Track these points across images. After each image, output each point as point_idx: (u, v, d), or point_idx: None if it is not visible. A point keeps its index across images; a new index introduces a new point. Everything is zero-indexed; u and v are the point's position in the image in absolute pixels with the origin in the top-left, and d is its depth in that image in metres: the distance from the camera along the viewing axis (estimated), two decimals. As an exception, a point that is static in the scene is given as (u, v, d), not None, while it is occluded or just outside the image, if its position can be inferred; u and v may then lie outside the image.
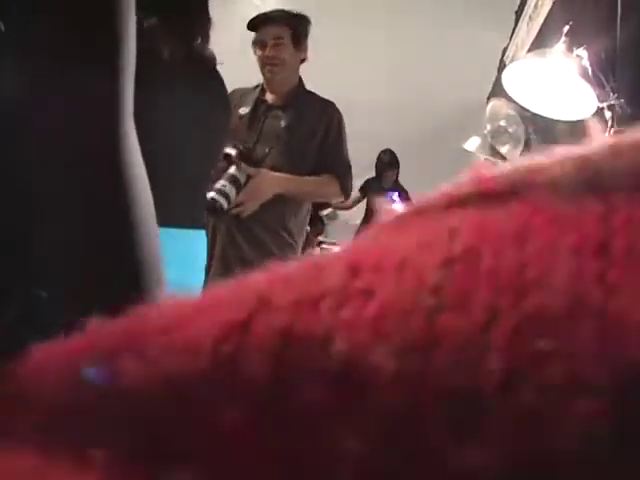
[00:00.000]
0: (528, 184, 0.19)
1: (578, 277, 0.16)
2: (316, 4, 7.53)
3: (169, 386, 0.18)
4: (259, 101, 2.91)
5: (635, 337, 0.15)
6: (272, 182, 2.65)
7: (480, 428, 0.15)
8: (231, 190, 2.49)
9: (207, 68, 2.07)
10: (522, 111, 2.99)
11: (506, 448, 0.14)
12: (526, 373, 0.15)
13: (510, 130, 3.30)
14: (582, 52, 2.15)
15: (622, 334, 0.15)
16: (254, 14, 3.14)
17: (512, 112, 3.18)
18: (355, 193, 6.71)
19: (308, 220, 3.06)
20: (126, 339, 0.20)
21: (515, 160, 0.20)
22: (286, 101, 2.88)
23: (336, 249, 0.21)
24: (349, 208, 6.78)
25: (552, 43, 2.34)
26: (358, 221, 6.54)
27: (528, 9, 4.37)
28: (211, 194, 2.42)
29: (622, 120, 2.06)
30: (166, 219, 0.65)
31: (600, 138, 0.19)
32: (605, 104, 2.10)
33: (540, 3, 3.89)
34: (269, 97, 2.93)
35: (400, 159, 6.61)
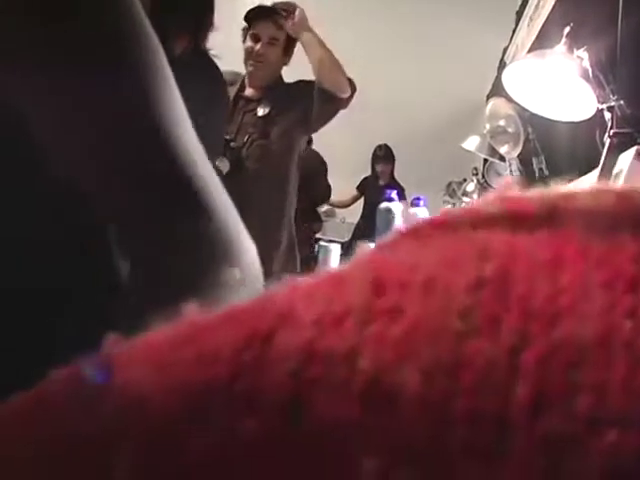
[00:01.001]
0: (561, 212, 0.19)
1: (609, 310, 0.16)
2: (314, 1, 7.52)
3: (186, 395, 0.18)
4: (238, 97, 2.97)
5: None
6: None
7: (504, 451, 0.15)
8: None
9: (209, 63, 2.08)
10: (522, 111, 2.99)
11: (529, 472, 0.14)
12: (554, 400, 0.15)
13: (509, 130, 3.30)
14: (583, 53, 2.15)
15: None
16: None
17: (512, 112, 3.17)
18: (352, 191, 6.71)
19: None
20: (147, 349, 0.20)
21: (549, 186, 0.19)
22: (263, 94, 2.94)
23: (354, 258, 0.21)
24: (347, 206, 6.78)
25: (553, 44, 2.34)
26: (355, 219, 6.54)
27: (529, 9, 4.37)
28: None
29: (622, 122, 2.06)
30: None
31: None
32: (605, 105, 2.10)
33: (541, 4, 3.89)
34: (248, 92, 3.04)
35: (398, 157, 6.61)
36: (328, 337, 0.17)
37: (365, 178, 6.71)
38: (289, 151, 2.91)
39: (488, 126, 3.39)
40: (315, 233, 5.74)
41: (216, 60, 2.18)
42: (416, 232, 0.21)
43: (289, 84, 3.09)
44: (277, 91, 3.00)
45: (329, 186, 6.01)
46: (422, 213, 2.19)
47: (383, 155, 6.59)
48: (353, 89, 3.07)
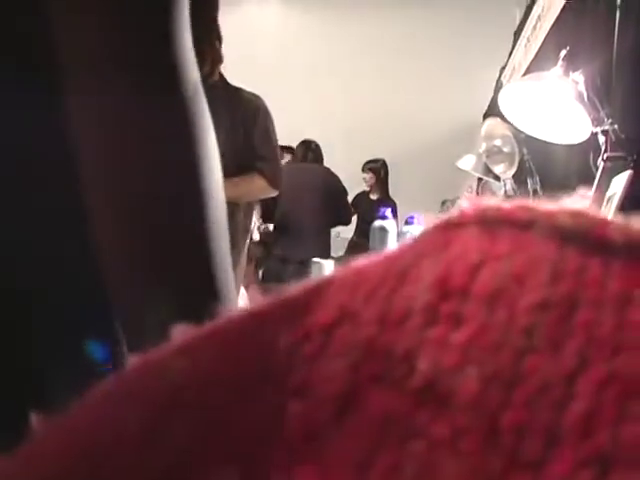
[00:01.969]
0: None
1: None
2: (319, 19, 7.55)
3: (237, 384, 0.18)
4: None
5: None
6: None
7: (552, 463, 0.15)
8: None
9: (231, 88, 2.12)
10: (517, 132, 3.01)
11: None
12: (607, 423, 0.15)
13: (505, 150, 3.32)
14: (578, 76, 2.17)
15: None
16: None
17: (507, 132, 3.19)
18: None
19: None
20: (203, 337, 0.20)
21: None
22: None
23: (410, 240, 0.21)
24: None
25: (549, 65, 2.36)
26: (350, 234, 6.55)
27: (526, 30, 4.40)
28: None
29: (615, 146, 2.08)
30: None
31: None
32: (599, 129, 2.12)
33: (538, 25, 3.92)
34: None
35: (393, 173, 6.63)
36: (389, 335, 0.18)
37: (358, 194, 6.72)
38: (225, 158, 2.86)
39: (484, 146, 3.41)
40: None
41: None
42: (484, 217, 0.20)
43: (236, 89, 3.03)
44: (216, 95, 2.95)
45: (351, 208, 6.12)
46: (416, 231, 2.20)
47: (377, 169, 6.62)
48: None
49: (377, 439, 0.16)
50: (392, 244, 2.16)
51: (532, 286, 0.17)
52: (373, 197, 6.55)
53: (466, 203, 0.21)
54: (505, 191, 3.73)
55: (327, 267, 2.69)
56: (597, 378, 0.16)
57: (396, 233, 2.17)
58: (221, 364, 0.19)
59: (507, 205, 0.20)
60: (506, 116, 2.42)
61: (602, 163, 2.07)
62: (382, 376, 0.17)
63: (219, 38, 1.74)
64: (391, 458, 0.16)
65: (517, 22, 5.03)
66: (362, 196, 6.67)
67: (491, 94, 5.92)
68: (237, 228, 2.82)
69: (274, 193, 2.94)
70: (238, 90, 2.80)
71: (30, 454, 0.20)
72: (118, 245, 0.54)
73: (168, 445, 0.18)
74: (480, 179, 4.42)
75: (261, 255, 5.16)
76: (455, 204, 5.33)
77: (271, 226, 5.54)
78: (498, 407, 0.16)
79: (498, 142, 3.34)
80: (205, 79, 0.58)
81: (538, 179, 3.31)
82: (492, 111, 4.97)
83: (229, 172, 2.74)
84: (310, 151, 5.74)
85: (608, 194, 1.96)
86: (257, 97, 2.90)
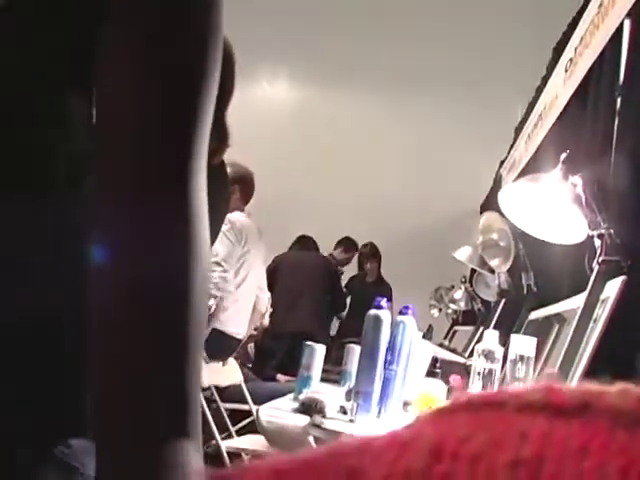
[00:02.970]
0: (593, 407, 0.22)
1: None
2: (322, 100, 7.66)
3: None
4: None
5: None
6: None
7: None
8: None
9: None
10: (514, 227, 3.05)
11: None
12: None
13: (501, 244, 3.35)
14: (577, 179, 2.21)
15: None
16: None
17: (504, 227, 3.23)
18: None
19: None
20: None
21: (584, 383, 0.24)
22: None
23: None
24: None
25: (548, 162, 2.40)
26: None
27: (527, 127, 4.49)
28: None
29: (611, 250, 2.11)
30: None
31: None
32: (596, 232, 2.14)
33: (539, 124, 4.00)
34: None
35: (389, 257, 6.66)
36: None
37: (352, 277, 6.76)
38: None
39: (481, 238, 3.44)
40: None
41: None
42: (470, 404, 0.24)
43: None
44: None
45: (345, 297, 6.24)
46: (410, 322, 2.21)
47: (369, 252, 6.67)
48: None
49: None
50: (385, 333, 2.17)
51: (506, 448, 0.21)
52: (369, 280, 6.57)
53: (458, 394, 0.26)
54: (499, 284, 3.75)
55: (319, 351, 2.69)
56: None
57: (390, 323, 2.18)
58: None
59: (486, 392, 0.25)
60: (505, 214, 2.46)
61: (597, 266, 2.09)
62: None
63: (226, 132, 1.78)
64: None
65: (519, 118, 5.13)
66: (357, 278, 6.70)
67: (490, 185, 6.00)
68: None
69: None
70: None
71: None
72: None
73: None
74: (474, 270, 4.45)
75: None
76: (448, 292, 5.36)
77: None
78: None
79: (495, 236, 3.37)
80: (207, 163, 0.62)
81: (532, 275, 3.34)
82: (490, 203, 5.04)
83: None
84: (309, 243, 5.89)
85: (602, 297, 1.98)
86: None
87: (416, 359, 2.25)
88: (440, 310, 5.61)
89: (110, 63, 0.59)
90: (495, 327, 3.35)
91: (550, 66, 4.03)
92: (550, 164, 2.43)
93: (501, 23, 7.28)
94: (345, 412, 2.06)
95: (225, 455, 3.09)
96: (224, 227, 3.45)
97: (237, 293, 3.96)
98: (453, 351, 3.68)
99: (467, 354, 3.82)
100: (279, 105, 8.25)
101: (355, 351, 2.61)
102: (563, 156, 2.27)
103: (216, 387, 3.48)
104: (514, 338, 2.15)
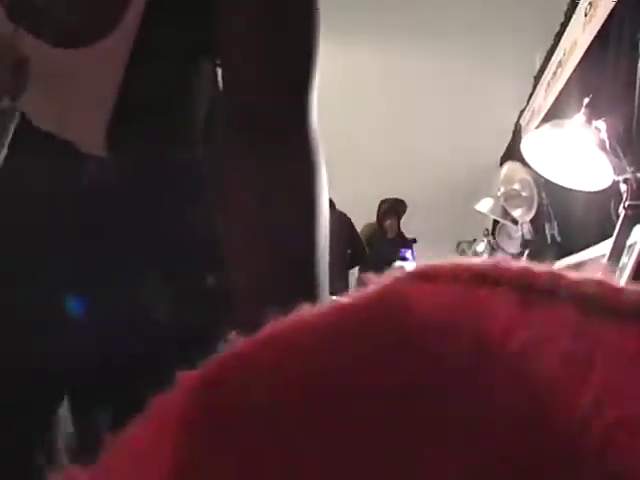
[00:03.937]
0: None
1: None
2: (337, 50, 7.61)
3: None
4: None
5: None
6: None
7: None
8: None
9: None
10: (537, 176, 3.01)
11: None
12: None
13: (523, 194, 3.32)
14: (601, 124, 2.18)
15: None
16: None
17: (527, 176, 3.20)
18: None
19: None
20: None
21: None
22: None
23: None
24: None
25: (570, 110, 2.37)
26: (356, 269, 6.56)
27: (547, 75, 4.43)
28: None
29: (637, 194, 2.08)
30: None
31: None
32: (621, 177, 2.11)
33: (559, 71, 3.95)
34: None
35: (409, 212, 6.64)
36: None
37: (373, 232, 6.74)
38: None
39: (502, 189, 3.41)
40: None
41: None
42: (518, 280, 0.22)
43: None
44: None
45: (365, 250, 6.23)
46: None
47: (386, 209, 6.64)
48: None
49: None
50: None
51: (556, 344, 0.20)
52: (390, 236, 6.55)
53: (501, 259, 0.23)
54: (522, 235, 3.72)
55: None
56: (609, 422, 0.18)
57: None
58: None
59: (535, 269, 0.22)
60: (529, 162, 2.43)
61: (623, 211, 2.07)
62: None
63: None
64: None
65: (537, 66, 5.06)
66: (377, 234, 6.68)
67: (510, 137, 5.94)
68: None
69: None
70: None
71: None
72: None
73: None
74: (496, 222, 4.41)
75: None
76: (470, 246, 5.33)
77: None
78: None
79: (517, 186, 3.34)
80: None
81: (556, 224, 3.31)
82: (511, 154, 4.99)
83: None
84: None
85: (629, 242, 1.96)
86: None
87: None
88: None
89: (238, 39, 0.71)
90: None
91: (568, 12, 3.96)
92: (572, 111, 2.39)
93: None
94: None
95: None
96: None
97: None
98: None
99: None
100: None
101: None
102: (586, 101, 2.23)
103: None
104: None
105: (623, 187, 2.12)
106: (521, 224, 3.65)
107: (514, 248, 4.14)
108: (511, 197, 3.40)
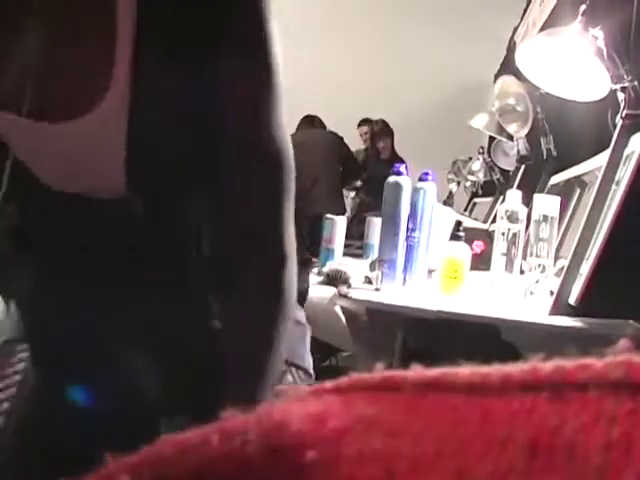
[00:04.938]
0: None
1: None
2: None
3: None
4: None
5: None
6: None
7: None
8: None
9: None
10: (532, 90, 2.97)
11: None
12: None
13: (518, 108, 3.28)
14: (598, 32, 2.13)
15: None
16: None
17: (521, 90, 3.15)
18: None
19: None
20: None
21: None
22: None
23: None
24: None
25: (565, 23, 2.31)
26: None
27: (542, -13, 4.33)
28: None
29: (635, 103, 2.05)
30: None
31: None
32: (619, 86, 2.08)
33: (554, -18, 3.85)
34: None
35: (404, 133, 6.60)
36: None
37: (367, 154, 6.72)
38: None
39: (497, 104, 3.37)
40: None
41: None
42: (550, 382, 0.23)
43: None
44: None
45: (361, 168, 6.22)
46: (430, 188, 2.17)
47: (380, 130, 6.58)
48: None
49: None
50: (406, 200, 2.14)
51: (597, 433, 0.21)
52: (383, 157, 6.52)
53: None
54: (517, 151, 3.70)
55: (340, 223, 2.68)
56: None
57: (410, 190, 2.15)
58: None
59: (562, 367, 0.23)
60: (523, 72, 2.38)
61: (621, 121, 2.04)
62: None
63: None
64: None
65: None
66: (371, 156, 6.65)
67: (504, 54, 5.85)
68: None
69: None
70: None
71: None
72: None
73: None
74: (492, 139, 4.38)
75: None
76: (466, 164, 5.30)
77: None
78: None
79: (512, 100, 3.30)
80: None
81: (552, 138, 3.28)
82: (505, 71, 4.91)
83: None
84: (315, 122, 5.87)
85: (626, 152, 1.94)
86: None
87: (438, 226, 2.23)
88: (458, 184, 5.55)
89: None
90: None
91: None
92: (567, 23, 2.33)
93: None
94: (370, 282, 2.05)
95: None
96: None
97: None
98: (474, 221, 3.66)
99: (488, 224, 3.79)
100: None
101: (376, 223, 2.59)
102: (582, 8, 2.18)
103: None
104: (537, 198, 2.11)
105: (621, 96, 2.09)
106: (517, 140, 3.62)
107: (510, 165, 4.12)
108: (506, 112, 3.36)
